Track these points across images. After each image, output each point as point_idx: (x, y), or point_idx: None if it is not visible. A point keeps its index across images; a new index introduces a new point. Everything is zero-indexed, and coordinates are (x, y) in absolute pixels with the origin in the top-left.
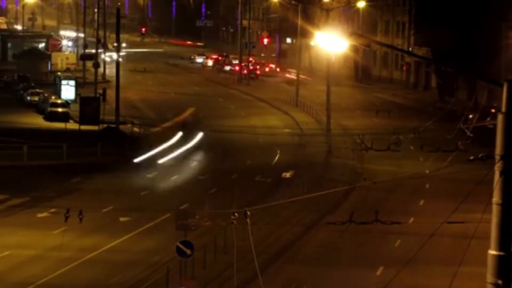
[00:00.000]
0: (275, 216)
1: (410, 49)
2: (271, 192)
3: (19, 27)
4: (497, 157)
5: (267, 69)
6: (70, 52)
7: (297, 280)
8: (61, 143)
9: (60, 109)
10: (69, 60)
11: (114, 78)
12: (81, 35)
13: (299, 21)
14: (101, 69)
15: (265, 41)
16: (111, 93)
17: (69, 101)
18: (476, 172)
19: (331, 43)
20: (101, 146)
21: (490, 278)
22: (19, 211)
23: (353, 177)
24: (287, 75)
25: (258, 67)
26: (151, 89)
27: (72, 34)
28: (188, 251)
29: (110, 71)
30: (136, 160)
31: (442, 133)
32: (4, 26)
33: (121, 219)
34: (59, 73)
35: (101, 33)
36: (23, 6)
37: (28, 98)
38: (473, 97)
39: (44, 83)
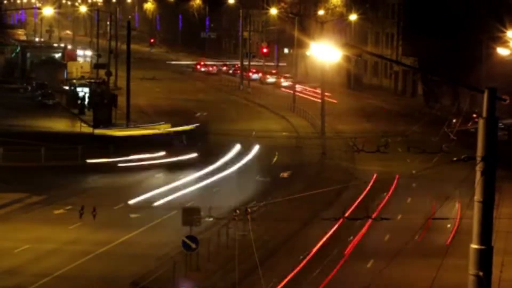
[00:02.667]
0: (273, 213)
1: (399, 58)
2: (270, 191)
3: (37, 39)
4: (478, 159)
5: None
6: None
7: (294, 271)
8: (76, 145)
9: (51, 101)
10: (83, 69)
11: (125, 86)
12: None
13: (296, 33)
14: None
15: (264, 51)
16: (122, 99)
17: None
18: (459, 172)
19: (325, 53)
20: (113, 148)
21: (472, 270)
22: (37, 208)
23: (346, 177)
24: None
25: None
26: (159, 95)
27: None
28: (193, 245)
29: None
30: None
31: (427, 136)
32: (24, 38)
33: (131, 215)
34: (74, 81)
35: (112, 43)
36: (41, 19)
37: (51, 103)
38: (456, 103)
39: (61, 90)
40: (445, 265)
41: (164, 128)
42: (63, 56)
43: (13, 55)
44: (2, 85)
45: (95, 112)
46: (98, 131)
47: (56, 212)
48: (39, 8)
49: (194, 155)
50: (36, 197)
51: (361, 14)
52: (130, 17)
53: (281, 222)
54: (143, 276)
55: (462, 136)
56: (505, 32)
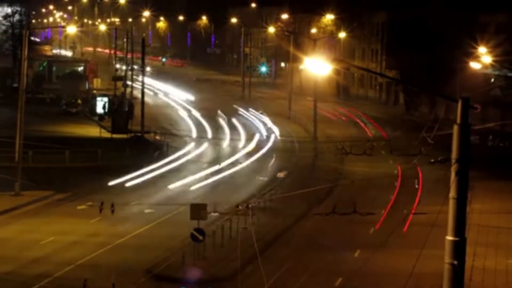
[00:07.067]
0: (271, 209)
1: (382, 71)
2: (268, 189)
3: (62, 53)
4: (453, 160)
5: None
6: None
7: (289, 260)
8: (97, 148)
9: (74, 109)
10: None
11: (140, 96)
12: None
13: (291, 49)
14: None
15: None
16: (137, 108)
17: (103, 114)
18: (436, 172)
19: (317, 66)
20: (129, 151)
21: (447, 259)
22: (62, 204)
23: (335, 176)
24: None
25: None
26: (170, 105)
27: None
28: (200, 237)
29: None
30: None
31: (408, 140)
32: (50, 53)
33: (146, 210)
34: (94, 91)
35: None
36: (65, 36)
37: (74, 111)
38: (433, 111)
39: (83, 100)
40: (423, 255)
41: None
42: (85, 70)
43: (41, 68)
44: (31, 95)
45: (114, 119)
46: None
47: (79, 207)
48: (63, 27)
49: None
50: (61, 194)
51: (349, 32)
52: (144, 34)
53: (278, 216)
54: (156, 265)
55: (439, 141)
56: (476, 48)
